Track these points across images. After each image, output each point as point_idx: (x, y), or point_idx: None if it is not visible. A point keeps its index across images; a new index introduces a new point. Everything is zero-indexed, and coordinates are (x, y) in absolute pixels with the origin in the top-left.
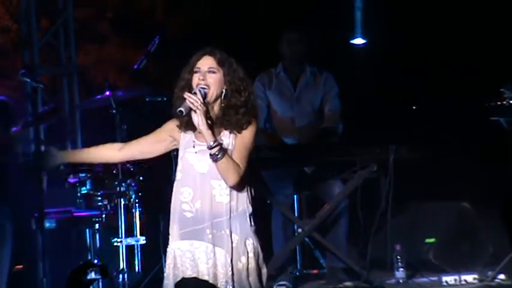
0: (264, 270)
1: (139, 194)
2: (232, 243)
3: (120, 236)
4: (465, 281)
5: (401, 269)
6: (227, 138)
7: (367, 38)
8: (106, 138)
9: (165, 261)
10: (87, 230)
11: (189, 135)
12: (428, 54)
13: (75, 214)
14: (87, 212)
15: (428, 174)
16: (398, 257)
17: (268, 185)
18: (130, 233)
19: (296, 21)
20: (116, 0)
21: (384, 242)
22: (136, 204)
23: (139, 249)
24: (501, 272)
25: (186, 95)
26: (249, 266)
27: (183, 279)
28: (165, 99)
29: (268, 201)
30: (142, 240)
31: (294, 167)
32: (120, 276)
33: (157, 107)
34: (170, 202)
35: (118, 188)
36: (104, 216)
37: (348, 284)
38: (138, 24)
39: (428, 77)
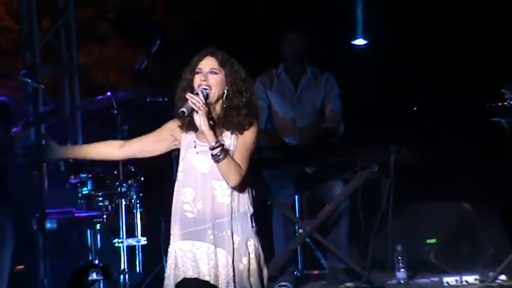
0: (265, 271)
1: (141, 194)
2: (233, 244)
3: (121, 236)
4: (466, 281)
5: (402, 270)
6: (228, 139)
7: (368, 39)
8: (107, 139)
9: (166, 262)
10: (88, 230)
11: (190, 136)
12: (429, 55)
13: (76, 215)
14: (88, 213)
15: (429, 175)
16: (399, 258)
17: (269, 186)
18: (131, 233)
19: (297, 21)
20: (116, 0)
21: (384, 243)
22: (138, 205)
23: (140, 249)
24: (502, 273)
25: (188, 95)
26: (250, 267)
27: (184, 279)
28: (166, 99)
29: (269, 202)
30: (143, 240)
31: (295, 167)
32: (121, 276)
33: (158, 107)
34: (171, 203)
35: (119, 189)
36: (105, 216)
37: (348, 284)
38: (138, 24)
39: (429, 77)
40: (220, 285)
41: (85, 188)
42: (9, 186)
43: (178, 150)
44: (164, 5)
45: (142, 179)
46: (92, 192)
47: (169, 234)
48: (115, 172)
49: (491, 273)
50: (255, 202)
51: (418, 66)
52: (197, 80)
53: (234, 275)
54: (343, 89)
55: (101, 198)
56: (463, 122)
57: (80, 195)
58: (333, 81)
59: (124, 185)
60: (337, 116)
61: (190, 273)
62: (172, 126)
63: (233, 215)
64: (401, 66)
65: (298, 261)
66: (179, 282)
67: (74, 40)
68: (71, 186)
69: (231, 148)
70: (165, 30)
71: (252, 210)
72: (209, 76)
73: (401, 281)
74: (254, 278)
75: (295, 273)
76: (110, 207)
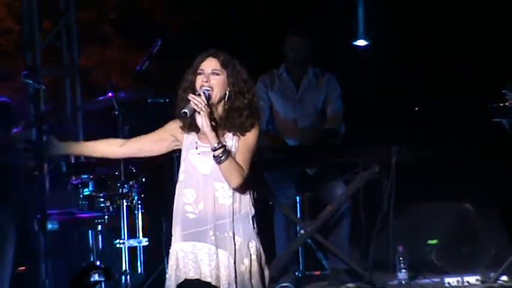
0: (267, 272)
1: (142, 195)
2: (235, 245)
3: (122, 237)
4: (467, 282)
5: (404, 271)
6: (230, 140)
7: (369, 39)
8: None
9: (167, 263)
10: (90, 231)
11: (191, 136)
12: (429, 55)
13: (77, 215)
14: (89, 214)
15: (429, 175)
16: (401, 259)
17: (270, 187)
18: (132, 234)
19: (299, 23)
20: (116, 0)
21: (386, 244)
22: (139, 206)
23: (141, 250)
24: (504, 274)
25: (191, 96)
26: (252, 268)
27: (186, 280)
28: (167, 100)
29: (270, 203)
30: (144, 241)
31: (296, 168)
32: (123, 277)
33: (159, 108)
34: (173, 203)
35: (120, 190)
36: (106, 217)
37: (350, 285)
38: (139, 25)
39: (429, 77)
40: (221, 287)
41: (86, 189)
42: (10, 187)
43: (179, 151)
44: (164, 5)
45: (143, 180)
46: (94, 193)
47: (171, 235)
48: (116, 173)
49: (492, 274)
50: (256, 203)
51: (418, 66)
52: (199, 81)
53: (235, 276)
54: (344, 90)
55: (102, 199)
56: (463, 122)
57: (81, 196)
58: (334, 81)
59: (125, 186)
60: (339, 117)
61: (192, 274)
62: (174, 126)
63: (235, 217)
64: (402, 66)
65: (300, 262)
66: (180, 283)
67: (75, 41)
68: (72, 187)
69: (233, 149)
70: (165, 31)
71: (253, 211)
72: (211, 77)
73: (403, 282)
74: (255, 279)
75: (297, 274)
76: (111, 208)
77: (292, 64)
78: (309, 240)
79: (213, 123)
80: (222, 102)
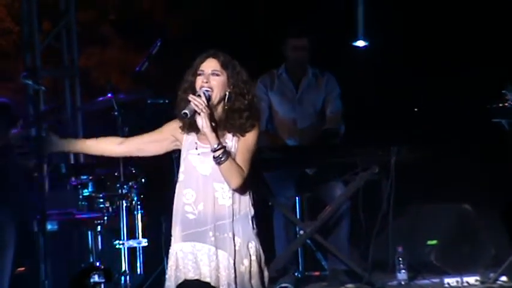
0: (266, 273)
1: (141, 196)
2: (235, 246)
3: (122, 238)
4: (467, 282)
5: (403, 271)
6: (230, 141)
7: (368, 40)
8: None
9: (167, 263)
10: (89, 232)
11: (191, 137)
12: (429, 55)
13: (77, 216)
14: (89, 214)
15: (429, 175)
16: (400, 259)
17: (270, 187)
18: (132, 235)
19: (300, 27)
20: (116, 0)
21: (385, 244)
22: (138, 206)
23: (141, 251)
24: (503, 274)
25: (191, 97)
26: (252, 269)
27: (185, 281)
28: (166, 101)
29: (270, 203)
30: (144, 242)
31: (295, 168)
32: (122, 278)
33: (158, 109)
34: (172, 204)
35: (120, 190)
36: (105, 218)
37: (349, 286)
38: (139, 24)
39: (429, 77)
40: (221, 287)
41: (86, 190)
42: (10, 187)
43: (178, 151)
44: (164, 5)
45: (143, 180)
46: (93, 194)
47: (170, 236)
48: (116, 174)
49: (492, 274)
50: (256, 203)
51: (418, 67)
52: (199, 81)
53: (235, 277)
54: (344, 90)
55: (101, 200)
56: (463, 122)
57: (80, 196)
58: (333, 82)
59: (125, 186)
60: (338, 117)
61: (191, 275)
62: (174, 126)
63: (234, 217)
64: (402, 66)
65: (299, 262)
66: (180, 284)
67: (75, 42)
68: (71, 187)
69: (233, 150)
70: (165, 31)
71: (253, 212)
72: (211, 78)
73: (402, 282)
74: (255, 280)
75: (296, 274)
76: (110, 209)
77: (292, 65)
78: (309, 241)
79: (213, 124)
80: (222, 103)
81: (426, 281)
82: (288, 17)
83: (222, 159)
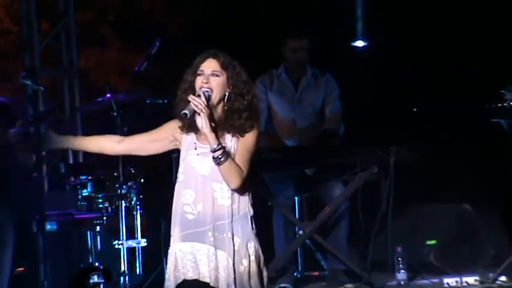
0: (265, 273)
1: (141, 196)
2: (234, 246)
3: (121, 238)
4: (466, 282)
5: (402, 271)
6: (229, 141)
7: (368, 39)
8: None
9: (166, 263)
10: (88, 232)
11: (190, 137)
12: (429, 55)
13: (76, 216)
14: (88, 214)
15: (428, 175)
16: (400, 259)
17: (269, 187)
18: (131, 235)
19: (300, 27)
20: (116, 0)
21: (384, 244)
22: (137, 207)
23: (140, 251)
24: (502, 274)
25: (191, 97)
26: (251, 269)
27: (184, 281)
28: (165, 101)
29: (269, 203)
30: (143, 242)
31: (294, 168)
32: (122, 278)
33: (157, 109)
34: (171, 204)
35: (119, 190)
36: (105, 218)
37: (349, 286)
38: (138, 25)
39: (429, 77)
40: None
41: (85, 190)
42: (10, 187)
43: (177, 151)
44: (164, 5)
45: (142, 180)
46: (92, 194)
47: (169, 236)
48: (115, 174)
49: (491, 274)
50: (255, 203)
51: (418, 67)
52: (199, 82)
53: (234, 277)
54: (343, 90)
55: (100, 200)
56: (463, 122)
57: (79, 197)
58: (333, 82)
59: (124, 186)
60: (337, 117)
61: (190, 275)
62: (173, 126)
63: (233, 217)
64: (401, 66)
65: (298, 262)
66: (179, 284)
67: (74, 43)
68: (71, 188)
69: (232, 151)
70: (165, 31)
71: (252, 212)
72: (211, 78)
73: (402, 282)
74: (254, 280)
75: (295, 274)
76: (109, 209)
77: (292, 66)
78: (308, 241)
79: (213, 124)
80: (222, 103)
81: (425, 281)
82: (288, 17)
83: (222, 159)
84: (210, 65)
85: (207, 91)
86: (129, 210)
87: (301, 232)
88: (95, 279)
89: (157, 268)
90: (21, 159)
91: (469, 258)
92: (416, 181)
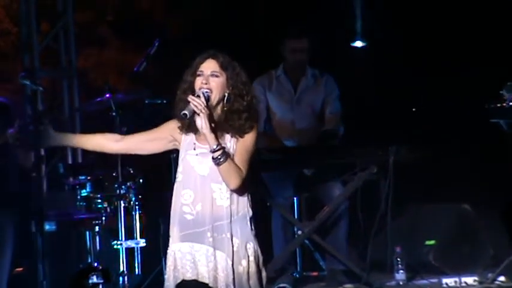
0: (264, 274)
1: (139, 196)
2: (233, 247)
3: (120, 238)
4: (465, 283)
5: (402, 271)
6: (229, 142)
7: (367, 39)
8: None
9: (165, 264)
10: (87, 232)
11: (190, 137)
12: (428, 55)
13: (75, 217)
14: (87, 215)
15: (428, 175)
16: (399, 259)
17: (268, 187)
18: (130, 235)
19: (299, 28)
20: (115, 0)
21: (384, 244)
22: (136, 207)
23: (139, 251)
24: (501, 274)
25: (190, 98)
26: (250, 269)
27: (183, 281)
28: (164, 101)
29: (268, 203)
30: (142, 242)
31: (293, 168)
32: (120, 278)
33: (156, 109)
34: (170, 204)
35: (118, 191)
36: (103, 218)
37: (347, 286)
38: (138, 25)
39: (429, 77)
40: None
41: (84, 190)
42: (9, 187)
43: (176, 151)
44: (164, 5)
45: (141, 181)
46: (91, 194)
47: (168, 236)
48: (114, 174)
49: (490, 275)
50: (254, 204)
51: (418, 67)
52: (198, 82)
53: (233, 278)
54: (343, 90)
55: (99, 200)
56: (463, 122)
57: (78, 197)
58: (332, 83)
59: (123, 187)
60: (337, 118)
61: (189, 275)
62: (172, 126)
63: (232, 218)
64: (401, 66)
65: (297, 262)
66: (178, 284)
67: (73, 43)
68: (70, 188)
69: (231, 151)
70: (165, 31)
71: (251, 212)
72: (210, 79)
73: (401, 283)
74: (253, 281)
75: (294, 274)
76: (108, 209)
77: (291, 67)
78: (307, 241)
79: (212, 125)
80: (221, 104)
81: (424, 281)
82: (288, 17)
83: (221, 160)
84: (209, 66)
85: (207, 92)
86: (128, 211)
87: (300, 232)
88: (94, 279)
89: (156, 268)
90: (21, 159)
91: (469, 259)
92: (415, 181)
